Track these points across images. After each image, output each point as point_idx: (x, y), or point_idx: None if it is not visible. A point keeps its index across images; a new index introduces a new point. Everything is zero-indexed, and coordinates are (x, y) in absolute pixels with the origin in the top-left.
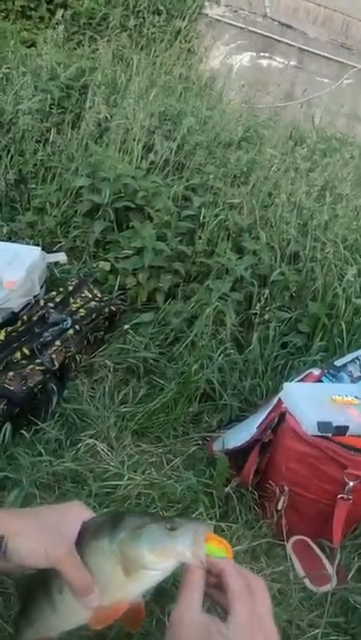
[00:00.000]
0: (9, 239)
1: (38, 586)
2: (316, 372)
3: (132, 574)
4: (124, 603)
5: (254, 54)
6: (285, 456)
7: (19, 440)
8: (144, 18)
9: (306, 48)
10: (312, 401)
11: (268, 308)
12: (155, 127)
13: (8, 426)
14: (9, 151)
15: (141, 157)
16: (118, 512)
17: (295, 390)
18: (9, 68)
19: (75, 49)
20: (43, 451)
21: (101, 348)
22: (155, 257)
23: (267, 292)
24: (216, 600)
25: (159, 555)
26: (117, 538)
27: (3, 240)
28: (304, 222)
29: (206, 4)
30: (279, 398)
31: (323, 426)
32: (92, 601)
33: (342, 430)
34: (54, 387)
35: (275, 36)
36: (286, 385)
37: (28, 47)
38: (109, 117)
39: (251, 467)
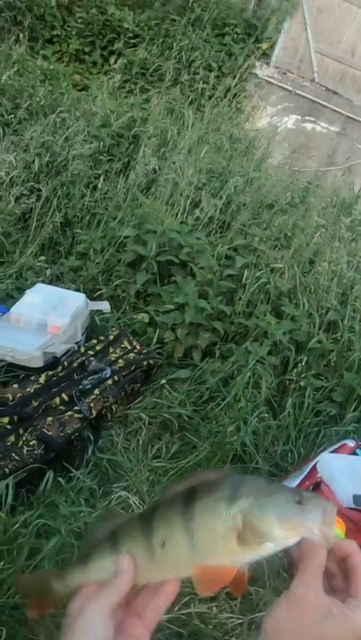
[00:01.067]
0: (51, 282)
1: (135, 532)
2: (351, 443)
3: (248, 544)
4: (232, 570)
5: (300, 117)
6: None
7: (53, 486)
8: (196, 73)
9: (350, 115)
10: (349, 473)
11: (303, 375)
12: (202, 184)
13: (50, 474)
14: (57, 194)
15: (187, 213)
16: (236, 473)
17: (332, 461)
18: (62, 111)
19: (126, 97)
20: (81, 501)
21: (137, 400)
22: (195, 314)
23: (304, 358)
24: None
25: (288, 529)
26: (238, 503)
27: (46, 282)
28: (343, 292)
29: (257, 64)
30: (314, 467)
31: (359, 499)
32: None
33: None
34: (90, 435)
35: (321, 101)
36: (323, 455)
37: (79, 90)
38: (158, 170)
39: None
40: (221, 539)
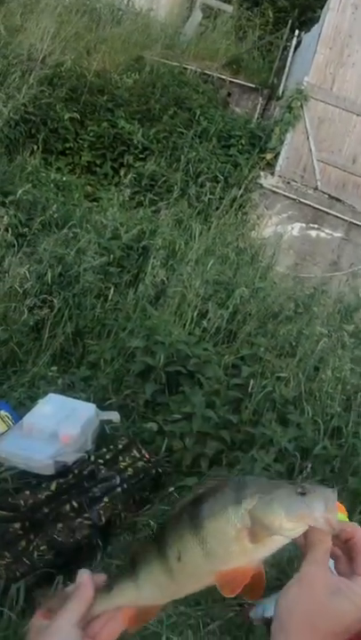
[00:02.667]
0: (63, 391)
1: (150, 554)
2: None
3: (260, 540)
4: (250, 568)
5: (304, 225)
6: None
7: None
8: (203, 185)
9: (353, 221)
10: None
11: (308, 481)
12: (209, 295)
13: (60, 578)
14: (69, 305)
15: (195, 323)
16: (238, 477)
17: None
18: (74, 224)
19: (135, 208)
20: None
21: (146, 508)
22: (203, 423)
23: (309, 465)
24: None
25: (296, 520)
26: (244, 503)
27: (58, 392)
28: (348, 397)
29: (261, 174)
30: None
31: None
32: None
33: None
34: (99, 541)
35: (324, 209)
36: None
37: (91, 201)
38: (166, 281)
39: None
40: (234, 540)
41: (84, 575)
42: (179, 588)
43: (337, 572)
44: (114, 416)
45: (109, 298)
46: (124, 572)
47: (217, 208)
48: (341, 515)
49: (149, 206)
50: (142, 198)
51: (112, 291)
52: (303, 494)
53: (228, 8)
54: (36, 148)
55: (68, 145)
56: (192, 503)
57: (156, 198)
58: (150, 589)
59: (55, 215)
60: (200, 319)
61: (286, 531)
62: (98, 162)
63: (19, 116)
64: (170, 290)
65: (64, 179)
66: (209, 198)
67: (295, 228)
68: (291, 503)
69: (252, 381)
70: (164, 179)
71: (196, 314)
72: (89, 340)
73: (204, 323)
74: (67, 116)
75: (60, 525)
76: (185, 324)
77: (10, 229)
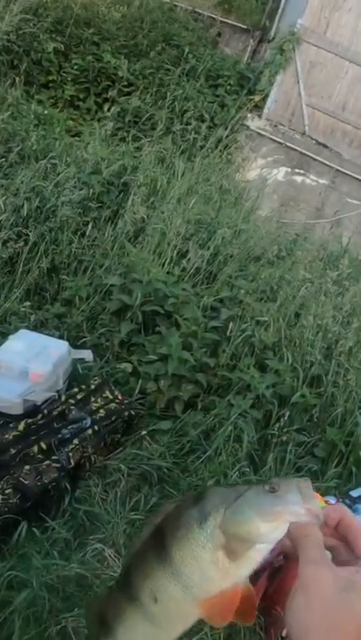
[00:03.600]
0: (35, 328)
1: (121, 604)
2: (332, 500)
3: (239, 555)
4: (236, 589)
5: (289, 170)
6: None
7: (27, 536)
8: (188, 123)
9: (340, 169)
10: None
11: (286, 430)
12: (190, 234)
13: (24, 525)
14: (45, 239)
15: (174, 263)
16: (195, 493)
17: None
18: (54, 157)
19: (118, 144)
20: (55, 552)
21: (117, 451)
22: (178, 365)
23: (287, 412)
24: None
25: (273, 520)
26: (211, 518)
27: (30, 328)
28: (328, 346)
29: (249, 116)
30: None
31: None
32: None
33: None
34: (67, 485)
35: (311, 154)
36: None
37: (73, 136)
38: (147, 219)
39: (259, 591)
40: (210, 564)
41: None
42: (165, 633)
43: (339, 563)
44: (87, 355)
45: (87, 233)
46: (98, 634)
47: (202, 147)
48: (321, 503)
49: (132, 142)
50: (125, 134)
51: (90, 226)
52: (273, 491)
53: None
54: (17, 79)
55: (51, 78)
56: (153, 534)
57: (139, 134)
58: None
59: (34, 147)
60: (180, 259)
61: (266, 535)
62: (81, 96)
63: (1, 46)
64: (150, 227)
65: (45, 112)
66: (194, 137)
67: (280, 173)
68: (262, 503)
69: (231, 324)
70: (148, 115)
71: (175, 253)
72: (64, 276)
73: (184, 262)
74: (51, 48)
75: (27, 468)
76: (164, 263)
77: None
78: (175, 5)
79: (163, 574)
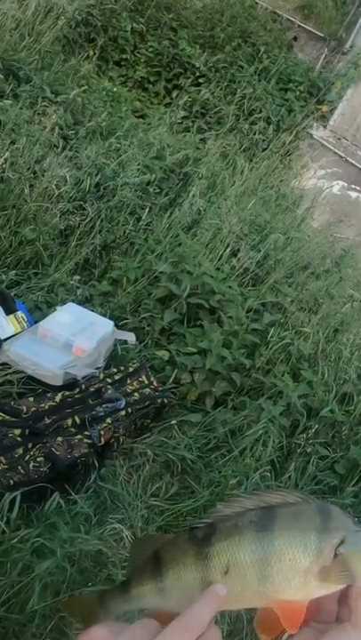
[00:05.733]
0: (80, 302)
1: (185, 554)
2: None
3: (330, 580)
4: (304, 605)
5: (346, 184)
6: None
7: (52, 506)
8: (255, 123)
9: None
10: None
11: (311, 442)
12: (244, 234)
13: (57, 495)
14: (101, 217)
15: (225, 260)
16: (322, 502)
17: None
18: (120, 136)
19: (182, 133)
20: (81, 526)
21: (145, 436)
22: (216, 362)
23: (314, 425)
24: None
25: None
26: (331, 536)
27: (76, 302)
28: None
29: (314, 124)
30: None
31: None
32: None
33: None
34: (95, 461)
35: None
36: None
37: (138, 117)
38: (203, 212)
39: None
40: (302, 572)
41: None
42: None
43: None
44: (130, 337)
45: (143, 217)
46: (146, 567)
47: (264, 149)
48: None
49: (197, 134)
50: (191, 124)
51: (147, 211)
52: None
53: None
54: (92, 53)
55: (124, 56)
56: (265, 511)
57: (205, 127)
58: (178, 598)
59: (102, 124)
60: (231, 257)
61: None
62: (152, 79)
63: (81, 18)
64: (205, 221)
65: (115, 89)
66: (258, 138)
67: (337, 186)
68: None
69: (271, 329)
70: (216, 109)
71: (227, 250)
72: (115, 256)
73: (234, 261)
74: (129, 27)
75: (59, 439)
76: (215, 259)
77: (56, 129)
78: (256, 3)
79: (251, 554)
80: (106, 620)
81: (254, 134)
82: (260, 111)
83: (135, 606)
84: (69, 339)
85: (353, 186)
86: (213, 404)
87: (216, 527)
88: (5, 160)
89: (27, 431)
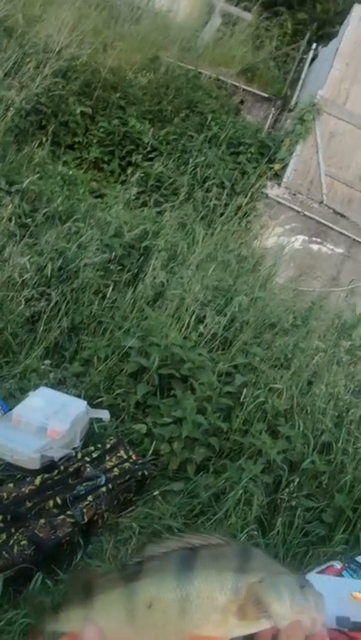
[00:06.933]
0: (54, 385)
1: (114, 586)
2: (338, 565)
3: (247, 619)
4: None
5: (307, 238)
6: None
7: (41, 587)
8: (209, 190)
9: (356, 238)
10: (333, 595)
11: (295, 495)
12: (208, 300)
13: (40, 575)
14: (66, 299)
15: (191, 328)
16: (243, 545)
17: (317, 582)
18: (78, 219)
19: (140, 207)
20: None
21: (129, 509)
22: (192, 429)
23: (296, 478)
24: None
25: (296, 612)
26: (247, 576)
27: (49, 386)
28: (339, 414)
29: (268, 184)
30: None
31: (341, 620)
32: None
33: (359, 626)
34: (80, 540)
35: (328, 224)
36: (310, 576)
37: (96, 197)
38: (166, 283)
39: None
40: (220, 610)
41: (89, 630)
42: (134, 636)
43: None
44: (104, 414)
45: (107, 295)
46: (77, 595)
47: (221, 214)
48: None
49: (154, 207)
50: (148, 198)
51: (111, 288)
52: (302, 587)
53: (248, 16)
54: (45, 139)
55: (77, 139)
56: (184, 553)
57: (161, 200)
58: (103, 624)
59: (60, 208)
60: (197, 324)
61: (281, 618)
62: (106, 158)
63: (30, 106)
64: (169, 292)
65: (70, 172)
66: (214, 204)
67: (298, 241)
68: (295, 593)
69: (244, 390)
70: (170, 181)
71: (193, 318)
72: (84, 337)
73: (201, 328)
74: (78, 110)
75: (42, 521)
76: (182, 328)
77: (13, 218)
78: (200, 73)
79: (173, 589)
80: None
81: (210, 201)
82: (214, 177)
83: (61, 628)
84: (43, 422)
85: (314, 239)
86: (195, 470)
87: (144, 565)
88: None
89: (8, 516)
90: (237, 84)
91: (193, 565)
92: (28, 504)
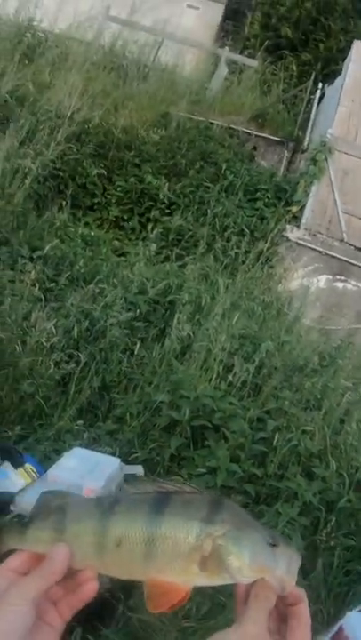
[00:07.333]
0: (88, 445)
1: (89, 517)
2: None
3: (208, 570)
4: (184, 589)
5: (330, 277)
6: None
7: None
8: (229, 239)
9: None
10: None
11: (333, 535)
12: (235, 349)
13: (79, 630)
14: (95, 359)
15: (220, 377)
16: (216, 495)
17: (359, 620)
18: (101, 280)
19: (162, 262)
20: None
21: None
22: (227, 477)
23: (333, 518)
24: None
25: (257, 571)
26: (212, 528)
27: (83, 445)
28: None
29: (287, 227)
30: (341, 626)
31: None
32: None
33: None
34: (122, 594)
35: (350, 260)
36: (352, 614)
37: (119, 256)
38: (192, 336)
39: None
40: (183, 557)
41: (60, 551)
42: (100, 567)
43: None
44: (138, 470)
45: (135, 352)
46: (48, 516)
47: (243, 262)
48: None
49: (176, 260)
50: (169, 253)
51: (138, 345)
52: (273, 545)
53: (253, 62)
54: (64, 203)
55: (95, 200)
56: (157, 497)
57: (182, 253)
58: (73, 549)
59: (82, 270)
60: (226, 373)
61: (241, 576)
62: (125, 216)
63: (47, 172)
64: (196, 344)
65: (92, 233)
66: (235, 252)
67: (322, 281)
68: (259, 551)
69: (277, 435)
70: (190, 233)
71: (221, 368)
72: (115, 394)
73: (230, 377)
74: (94, 172)
75: None
76: (211, 378)
77: (37, 284)
78: (211, 123)
79: (141, 531)
80: None
81: (231, 250)
82: (233, 226)
83: (27, 547)
84: (78, 481)
85: (338, 277)
86: None
87: (119, 500)
88: None
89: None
90: (249, 131)
91: (163, 510)
92: None
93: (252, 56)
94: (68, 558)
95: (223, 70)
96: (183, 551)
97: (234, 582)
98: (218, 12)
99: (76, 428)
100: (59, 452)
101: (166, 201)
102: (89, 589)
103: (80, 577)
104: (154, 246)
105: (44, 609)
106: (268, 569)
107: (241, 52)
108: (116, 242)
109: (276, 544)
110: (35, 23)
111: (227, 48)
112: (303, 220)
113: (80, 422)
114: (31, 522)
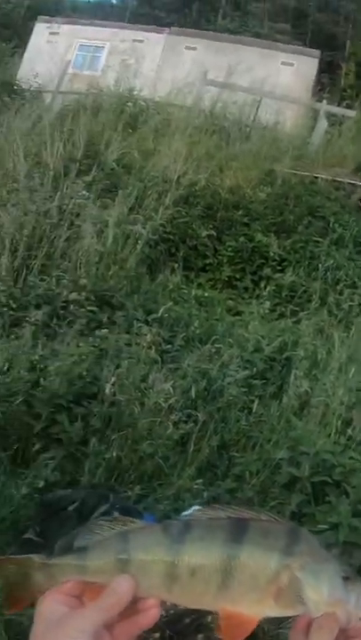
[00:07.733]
0: (208, 504)
1: (157, 545)
2: None
3: (282, 602)
4: (255, 620)
5: None
6: None
7: None
8: (341, 292)
9: None
10: None
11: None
12: (353, 403)
13: None
14: (213, 418)
15: (340, 432)
16: (293, 525)
17: None
18: (217, 339)
19: (277, 319)
20: None
21: (289, 620)
22: (349, 533)
23: None
24: None
25: (333, 605)
26: (291, 560)
27: (202, 504)
28: None
29: None
30: None
31: None
32: None
33: None
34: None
35: None
36: None
37: (233, 315)
38: (310, 391)
39: None
40: (260, 588)
41: (124, 583)
42: (168, 596)
43: None
44: None
45: (253, 410)
46: (111, 545)
47: (357, 314)
48: None
49: (290, 317)
50: (283, 309)
51: (256, 403)
52: (346, 579)
53: (351, 113)
54: (176, 265)
55: (207, 261)
56: (233, 524)
57: (296, 308)
58: (138, 579)
59: (198, 331)
60: (345, 427)
61: (317, 609)
62: (238, 276)
63: (158, 236)
64: (313, 399)
65: (205, 294)
66: (349, 305)
67: None
68: (335, 584)
69: None
70: (303, 288)
71: (340, 422)
72: (234, 453)
73: (349, 430)
74: (204, 234)
75: (200, 636)
76: (330, 433)
77: (153, 346)
78: (316, 177)
79: (218, 562)
80: (46, 585)
81: (344, 302)
82: (345, 279)
83: (89, 578)
84: None
85: None
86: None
87: (191, 527)
88: (113, 384)
89: (167, 632)
90: (354, 182)
91: (241, 539)
92: (187, 620)
93: (350, 106)
94: (133, 590)
95: (323, 123)
96: (261, 582)
97: (303, 613)
98: (312, 66)
99: (196, 487)
100: (178, 512)
101: (277, 258)
102: (151, 617)
103: (142, 604)
104: (267, 304)
105: (100, 634)
106: (343, 602)
107: (339, 104)
108: (230, 301)
109: (349, 577)
110: (135, 92)
111: (325, 101)
112: None
113: (199, 481)
114: (92, 551)
